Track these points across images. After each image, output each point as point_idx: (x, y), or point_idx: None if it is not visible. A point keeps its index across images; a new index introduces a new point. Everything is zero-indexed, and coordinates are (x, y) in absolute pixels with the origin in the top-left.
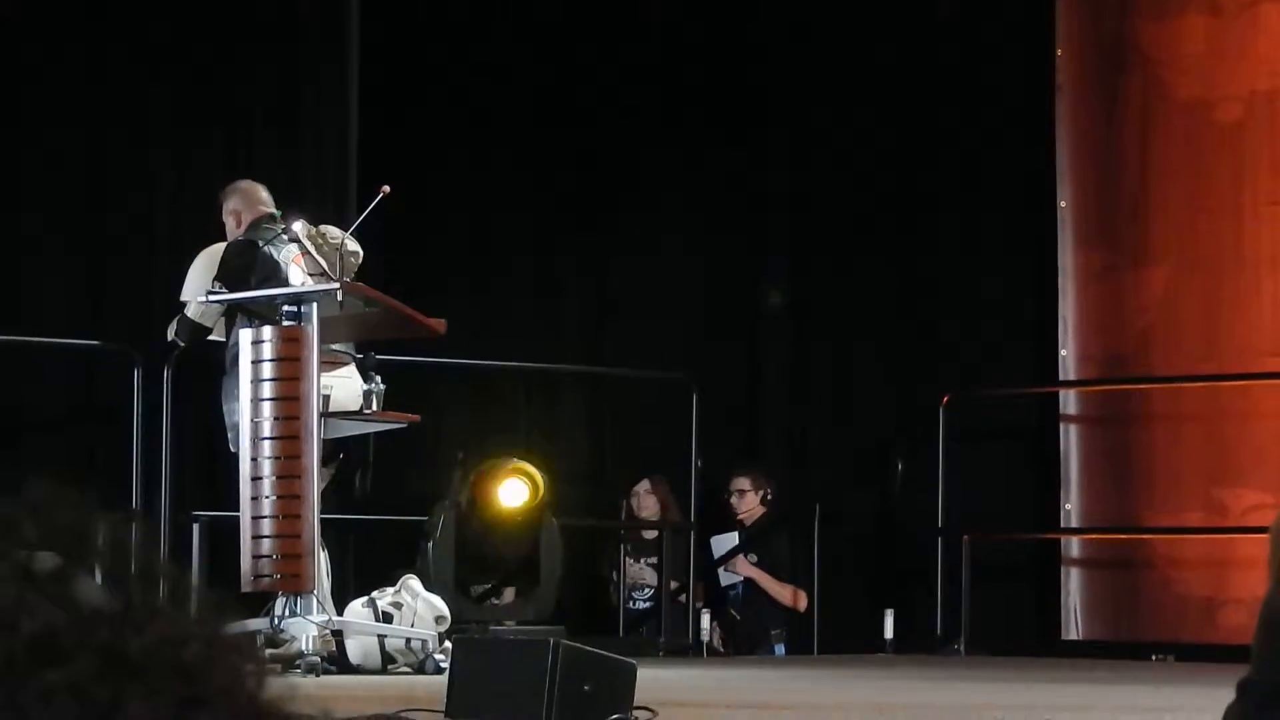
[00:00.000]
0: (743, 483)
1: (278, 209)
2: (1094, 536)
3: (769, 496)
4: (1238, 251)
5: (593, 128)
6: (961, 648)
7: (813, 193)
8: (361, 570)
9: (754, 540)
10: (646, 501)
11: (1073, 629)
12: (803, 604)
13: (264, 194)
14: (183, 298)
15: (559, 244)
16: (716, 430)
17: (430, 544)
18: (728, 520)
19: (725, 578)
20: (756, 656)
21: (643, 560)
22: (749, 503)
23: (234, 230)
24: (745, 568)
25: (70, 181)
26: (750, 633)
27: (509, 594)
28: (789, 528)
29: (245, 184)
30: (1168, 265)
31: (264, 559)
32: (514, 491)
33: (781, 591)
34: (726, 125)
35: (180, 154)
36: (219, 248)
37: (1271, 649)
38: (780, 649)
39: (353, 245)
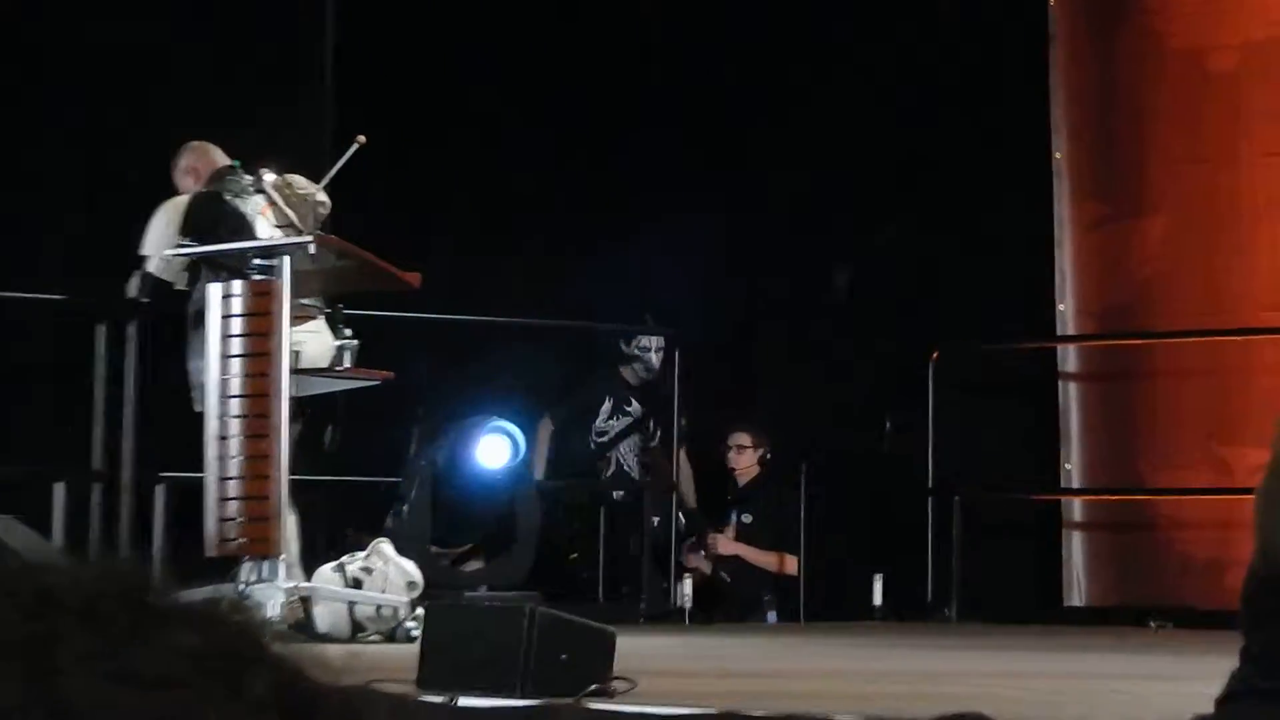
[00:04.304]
0: (742, 438)
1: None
2: (1096, 498)
3: (767, 455)
4: (1235, 203)
5: (587, 79)
6: (953, 613)
7: (805, 147)
8: (331, 533)
9: (746, 500)
10: (742, 458)
11: (1075, 594)
12: (791, 568)
13: (216, 149)
14: (143, 252)
15: (548, 197)
16: (707, 387)
17: (404, 506)
18: (722, 478)
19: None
20: (744, 624)
21: None
22: (746, 460)
23: (193, 187)
24: (726, 544)
25: (25, 136)
26: (743, 598)
27: (484, 559)
28: (781, 489)
29: (197, 142)
30: (1165, 217)
31: (230, 522)
32: (493, 450)
33: (766, 559)
34: (719, 77)
35: (137, 107)
36: (181, 200)
37: (1252, 618)
38: (772, 616)
39: (321, 196)
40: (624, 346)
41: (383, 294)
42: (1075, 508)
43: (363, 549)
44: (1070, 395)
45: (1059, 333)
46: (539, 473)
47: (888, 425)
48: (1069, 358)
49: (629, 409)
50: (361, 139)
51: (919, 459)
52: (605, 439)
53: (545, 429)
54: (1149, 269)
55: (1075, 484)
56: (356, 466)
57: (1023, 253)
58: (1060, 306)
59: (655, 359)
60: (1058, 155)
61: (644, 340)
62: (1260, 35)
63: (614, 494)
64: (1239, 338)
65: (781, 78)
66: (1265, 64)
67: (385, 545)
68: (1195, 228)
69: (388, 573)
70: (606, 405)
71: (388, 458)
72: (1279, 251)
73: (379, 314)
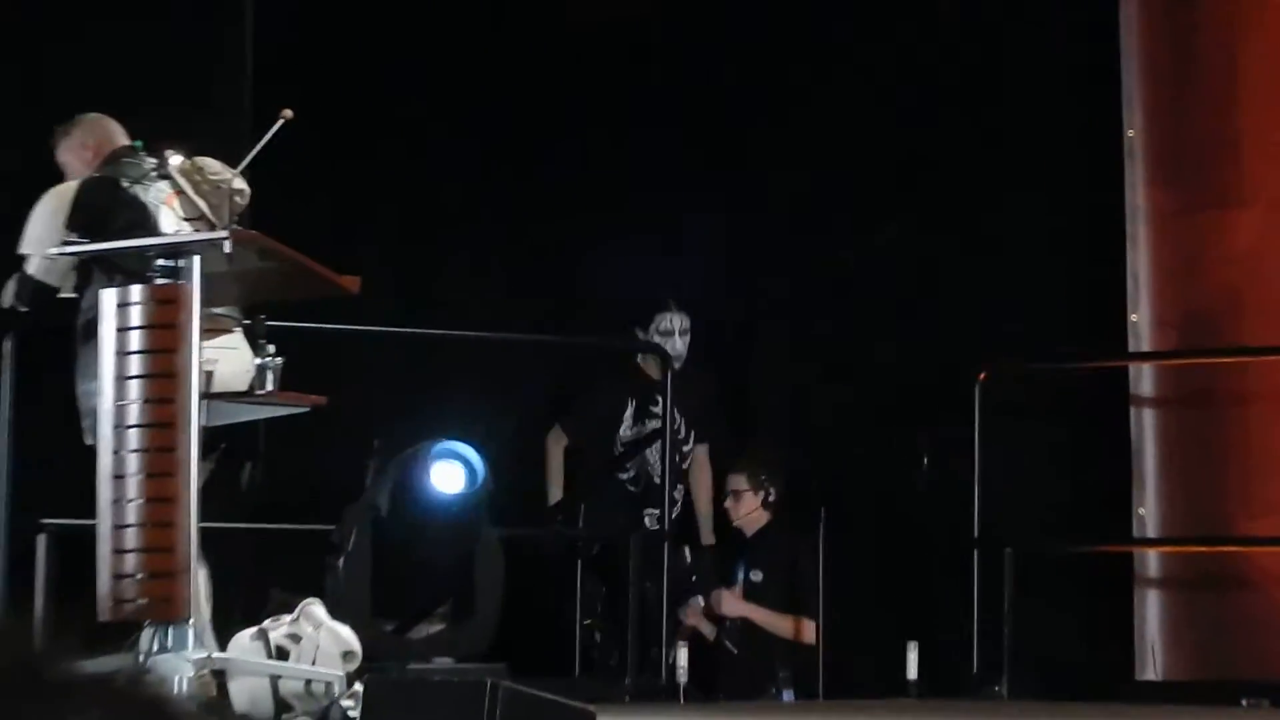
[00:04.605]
0: (738, 481)
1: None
2: (1177, 550)
3: (770, 498)
4: None
5: (514, 87)
6: (1004, 689)
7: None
8: (251, 593)
9: (755, 553)
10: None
11: (1150, 666)
12: (809, 635)
13: (116, 125)
14: (22, 250)
15: (508, 188)
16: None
17: (340, 560)
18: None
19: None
20: (753, 703)
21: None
22: (747, 506)
23: (83, 170)
24: (732, 604)
25: None
26: (751, 671)
27: (437, 623)
28: (795, 539)
29: (93, 115)
30: (1262, 207)
31: (127, 579)
32: (446, 478)
33: (780, 624)
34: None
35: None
36: (68, 187)
37: None
38: (788, 694)
39: (239, 183)
40: (640, 333)
41: (315, 303)
42: (1151, 561)
43: (290, 612)
44: (1145, 424)
45: (1131, 348)
46: (553, 496)
47: (924, 461)
48: (1143, 379)
49: (656, 409)
50: (288, 113)
51: (962, 501)
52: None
53: (556, 443)
54: (1241, 270)
55: (1151, 532)
56: (283, 511)
57: (1086, 252)
58: (1133, 316)
59: (681, 344)
60: (1130, 133)
61: (665, 322)
62: None
63: (645, 519)
64: None
65: (781, 78)
66: None
67: (316, 607)
68: None
69: (319, 640)
70: (629, 411)
71: (323, 500)
72: None
73: (311, 326)
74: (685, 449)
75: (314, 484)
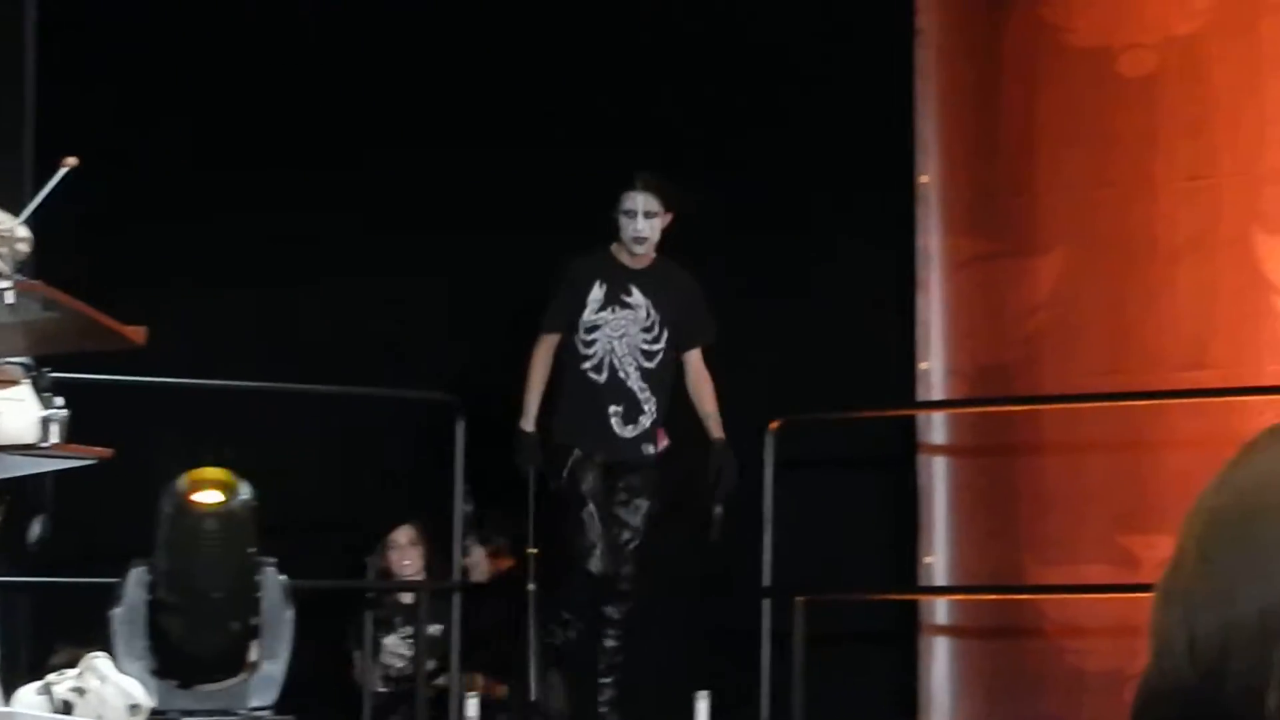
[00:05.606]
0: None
1: None
2: (966, 598)
3: (496, 547)
4: (1149, 237)
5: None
6: None
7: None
8: (36, 648)
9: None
10: (409, 554)
11: (937, 716)
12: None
13: None
14: None
15: (294, 234)
16: (489, 462)
17: (115, 611)
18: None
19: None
20: None
21: (396, 632)
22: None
23: None
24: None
25: None
26: None
27: (224, 675)
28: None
29: None
30: (1060, 254)
31: None
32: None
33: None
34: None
35: None
36: None
37: None
38: None
39: (22, 231)
40: (614, 215)
41: (102, 354)
42: (939, 609)
43: (75, 666)
44: (934, 473)
45: (921, 396)
46: (528, 421)
47: (716, 510)
48: (934, 427)
49: (628, 299)
50: (71, 161)
51: (753, 551)
52: (594, 335)
53: (544, 347)
54: (1039, 319)
55: (940, 581)
56: (70, 565)
57: (882, 299)
58: (923, 365)
59: (645, 226)
60: (924, 179)
61: (628, 201)
62: (1183, 30)
63: (611, 418)
64: (1149, 402)
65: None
66: (1188, 66)
67: (102, 661)
68: (1098, 268)
69: (104, 694)
70: (597, 292)
71: (110, 553)
72: (1200, 299)
73: (96, 378)
74: (655, 346)
75: (101, 536)
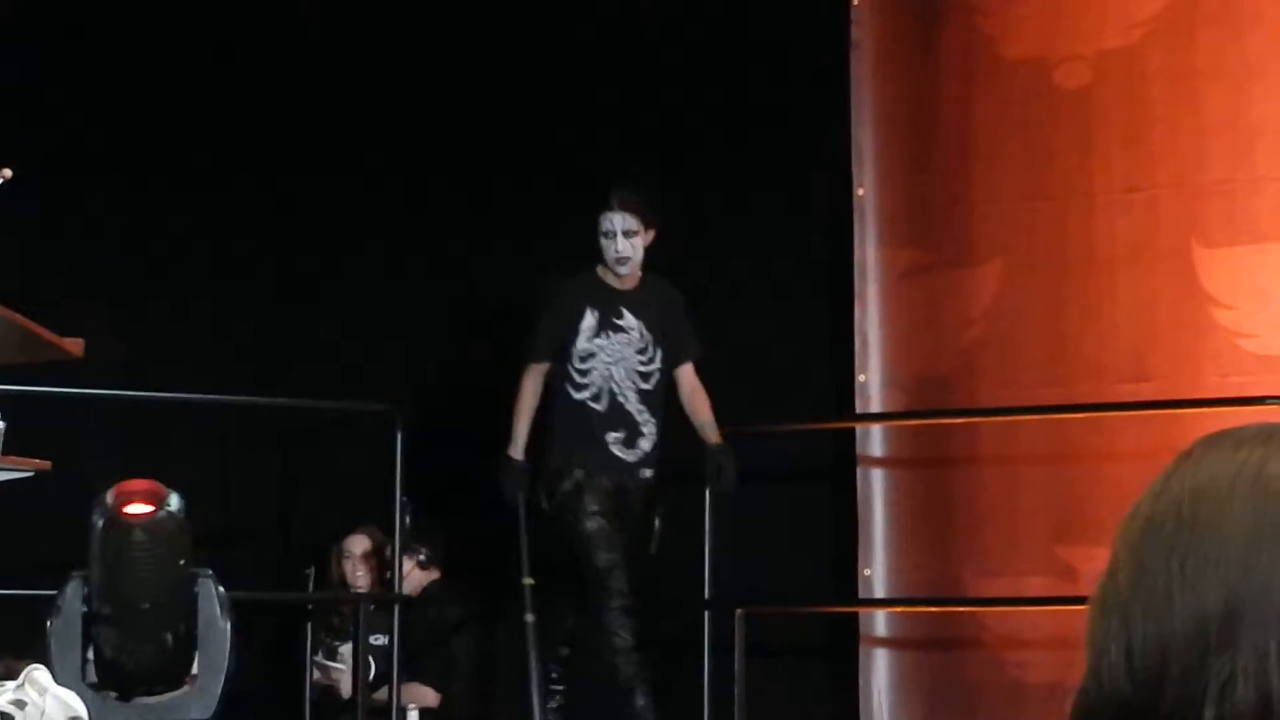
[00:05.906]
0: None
1: None
2: (905, 610)
3: (424, 557)
4: (1087, 248)
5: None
6: None
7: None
8: None
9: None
10: (361, 565)
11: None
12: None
13: None
14: None
15: (232, 248)
16: (433, 473)
17: (52, 623)
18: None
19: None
20: None
21: (338, 646)
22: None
23: None
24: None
25: None
26: None
27: (164, 688)
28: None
29: None
30: (998, 266)
31: None
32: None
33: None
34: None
35: None
36: None
37: None
38: None
39: None
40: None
41: (39, 366)
42: (878, 621)
43: (14, 678)
44: (873, 485)
45: (859, 409)
46: (517, 449)
47: (656, 523)
48: (872, 439)
49: (620, 322)
50: (6, 172)
51: (693, 564)
52: (590, 364)
53: (533, 376)
54: (977, 330)
55: (879, 593)
56: (8, 576)
57: (815, 312)
58: (860, 377)
59: (626, 245)
60: (860, 190)
61: (605, 223)
62: (1117, 43)
63: (610, 445)
64: (1088, 415)
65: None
66: (1123, 79)
67: (41, 673)
68: (1036, 280)
69: (44, 706)
70: (590, 319)
71: (51, 565)
72: (1139, 310)
73: (33, 390)
74: (650, 367)
75: (40, 548)
